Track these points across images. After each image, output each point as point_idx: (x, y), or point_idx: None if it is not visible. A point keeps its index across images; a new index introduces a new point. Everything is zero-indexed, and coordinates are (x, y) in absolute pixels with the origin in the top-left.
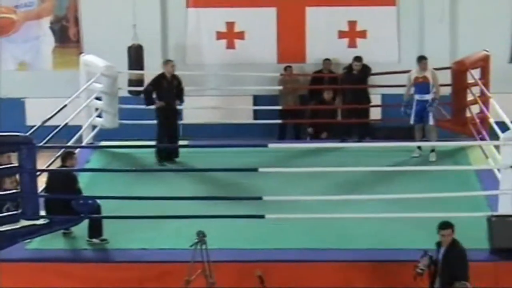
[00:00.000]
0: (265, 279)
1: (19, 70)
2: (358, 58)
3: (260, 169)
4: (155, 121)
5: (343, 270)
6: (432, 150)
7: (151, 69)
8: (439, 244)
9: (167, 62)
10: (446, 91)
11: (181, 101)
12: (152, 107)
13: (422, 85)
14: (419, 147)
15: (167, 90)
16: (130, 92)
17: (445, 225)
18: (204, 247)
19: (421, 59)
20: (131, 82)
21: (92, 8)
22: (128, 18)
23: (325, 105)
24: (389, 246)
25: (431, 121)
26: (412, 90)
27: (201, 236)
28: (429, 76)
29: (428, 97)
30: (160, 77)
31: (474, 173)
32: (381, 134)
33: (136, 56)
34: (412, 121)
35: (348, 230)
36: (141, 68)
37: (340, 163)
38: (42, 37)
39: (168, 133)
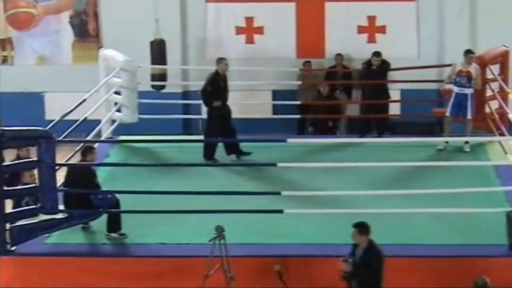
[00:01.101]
0: (283, 274)
1: (39, 64)
2: (377, 54)
3: (279, 164)
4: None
5: None
6: (466, 142)
7: (171, 64)
8: (356, 245)
9: (221, 60)
10: None
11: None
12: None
13: (464, 79)
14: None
15: (223, 88)
16: (153, 86)
17: (354, 225)
18: (222, 241)
19: (468, 53)
20: (154, 77)
21: (111, 2)
22: (148, 13)
23: (325, 100)
24: (407, 241)
25: (469, 115)
26: (453, 80)
27: (220, 230)
28: (472, 71)
29: (468, 91)
30: (215, 76)
31: (493, 169)
32: (400, 129)
33: (158, 51)
34: (448, 113)
35: None
36: (164, 63)
37: (359, 158)
38: (62, 31)
39: (223, 131)
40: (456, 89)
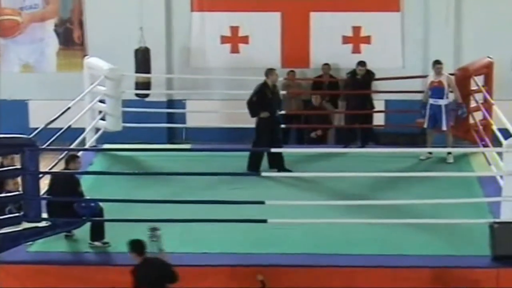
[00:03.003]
0: (267, 284)
1: (23, 72)
2: (362, 63)
3: (263, 173)
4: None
5: (346, 276)
6: (449, 153)
7: (156, 72)
8: None
9: (271, 71)
10: (450, 97)
11: (280, 109)
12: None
13: (436, 90)
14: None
15: (271, 99)
16: (137, 95)
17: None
18: (157, 242)
19: (435, 64)
20: (138, 85)
21: (96, 11)
22: (133, 21)
23: (316, 110)
24: (391, 251)
25: (444, 127)
26: (429, 93)
27: (154, 230)
28: (444, 81)
29: (442, 102)
30: (263, 87)
31: (477, 180)
32: (384, 139)
33: (143, 59)
34: (425, 125)
35: (351, 235)
36: (148, 71)
37: (343, 168)
38: (47, 39)
39: (271, 143)
40: (431, 100)
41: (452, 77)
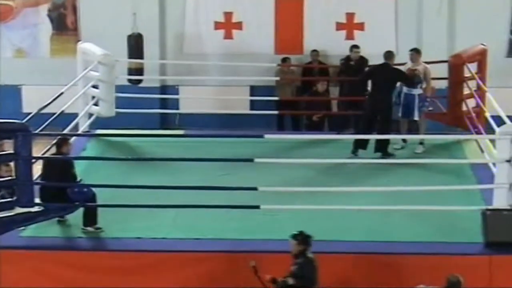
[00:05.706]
0: (259, 270)
1: (17, 57)
2: (356, 46)
3: (256, 160)
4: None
5: (338, 262)
6: (421, 143)
7: (149, 58)
8: None
9: (392, 53)
10: (443, 84)
11: None
12: None
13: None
14: (403, 139)
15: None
16: (129, 80)
17: None
18: None
19: (410, 51)
20: (131, 71)
21: None
22: (126, 6)
23: (320, 97)
24: (384, 238)
25: (416, 116)
26: None
27: None
28: (420, 70)
29: (416, 91)
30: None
31: (469, 167)
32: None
33: (136, 45)
34: (400, 114)
35: (343, 222)
36: (141, 57)
37: (336, 154)
38: (40, 24)
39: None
40: (404, 89)
41: (429, 68)
